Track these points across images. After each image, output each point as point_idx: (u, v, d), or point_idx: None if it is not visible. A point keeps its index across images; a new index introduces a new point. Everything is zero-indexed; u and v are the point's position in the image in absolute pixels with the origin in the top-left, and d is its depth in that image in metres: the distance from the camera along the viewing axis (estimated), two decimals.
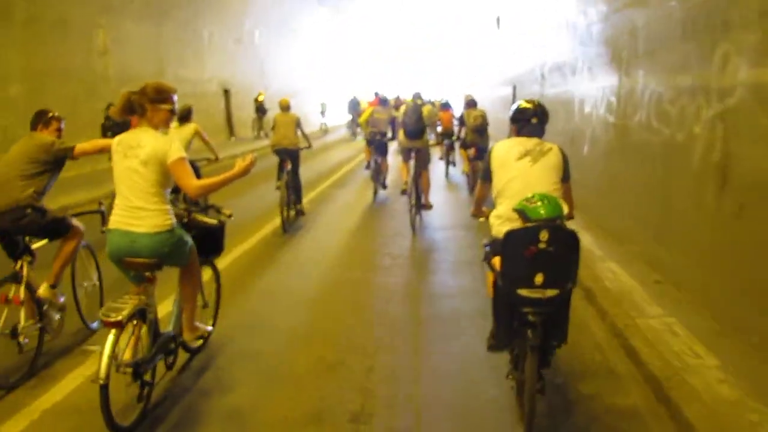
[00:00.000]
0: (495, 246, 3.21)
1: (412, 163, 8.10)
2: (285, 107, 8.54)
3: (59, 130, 4.14)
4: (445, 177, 12.99)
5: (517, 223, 3.05)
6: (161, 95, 3.23)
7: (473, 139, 10.00)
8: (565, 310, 3.02)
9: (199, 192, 3.23)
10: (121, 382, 3.08)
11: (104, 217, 4.75)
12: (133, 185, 3.16)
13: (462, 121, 10.49)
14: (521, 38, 14.39)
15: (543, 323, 2.88)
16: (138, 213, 3.15)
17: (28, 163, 3.89)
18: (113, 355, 2.91)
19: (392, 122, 10.28)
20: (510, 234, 2.84)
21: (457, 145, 11.79)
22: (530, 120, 3.39)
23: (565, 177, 3.33)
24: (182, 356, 3.84)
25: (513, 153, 3.29)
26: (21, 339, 3.69)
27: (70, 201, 8.46)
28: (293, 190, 8.31)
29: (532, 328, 2.87)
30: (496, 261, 3.01)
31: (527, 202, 2.99)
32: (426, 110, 8.23)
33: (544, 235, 2.77)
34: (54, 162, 3.98)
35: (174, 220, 3.28)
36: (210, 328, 4.06)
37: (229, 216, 3.94)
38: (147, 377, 3.24)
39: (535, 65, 12.22)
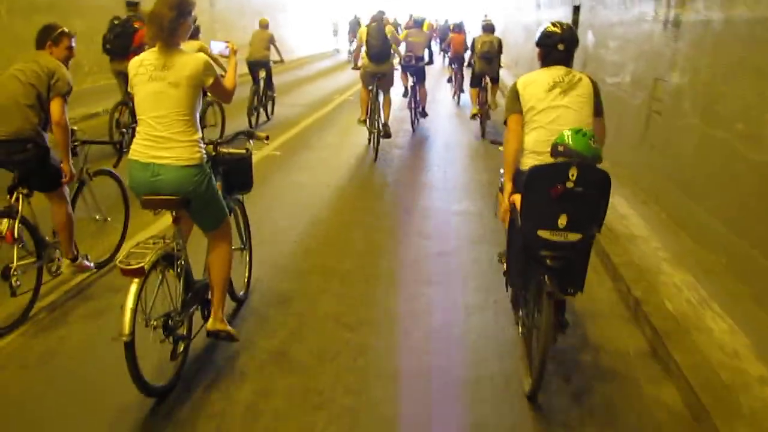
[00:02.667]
0: (516, 179, 2.94)
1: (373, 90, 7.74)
2: (264, 25, 9.85)
3: (70, 48, 3.64)
4: (456, 105, 12.35)
5: (543, 158, 2.77)
6: (184, 8, 2.80)
7: (481, 67, 9.46)
8: (585, 256, 2.77)
9: (233, 93, 3.10)
10: (153, 338, 2.72)
11: (120, 151, 4.35)
12: (159, 111, 2.75)
13: (472, 47, 9.89)
14: None
15: (561, 269, 2.65)
16: (164, 143, 2.75)
17: (31, 89, 3.39)
18: (138, 308, 2.53)
19: (429, 46, 9.72)
20: (535, 169, 2.56)
21: (467, 73, 11.08)
22: (556, 46, 3.02)
23: (598, 111, 3.00)
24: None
25: (540, 84, 2.95)
26: (13, 281, 3.34)
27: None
28: (266, 98, 9.83)
29: (550, 274, 2.64)
30: (516, 198, 2.74)
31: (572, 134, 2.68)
32: (389, 31, 7.81)
33: (573, 173, 2.48)
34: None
35: (204, 154, 2.87)
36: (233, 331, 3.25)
37: (266, 138, 3.48)
38: (181, 331, 2.90)
39: None
